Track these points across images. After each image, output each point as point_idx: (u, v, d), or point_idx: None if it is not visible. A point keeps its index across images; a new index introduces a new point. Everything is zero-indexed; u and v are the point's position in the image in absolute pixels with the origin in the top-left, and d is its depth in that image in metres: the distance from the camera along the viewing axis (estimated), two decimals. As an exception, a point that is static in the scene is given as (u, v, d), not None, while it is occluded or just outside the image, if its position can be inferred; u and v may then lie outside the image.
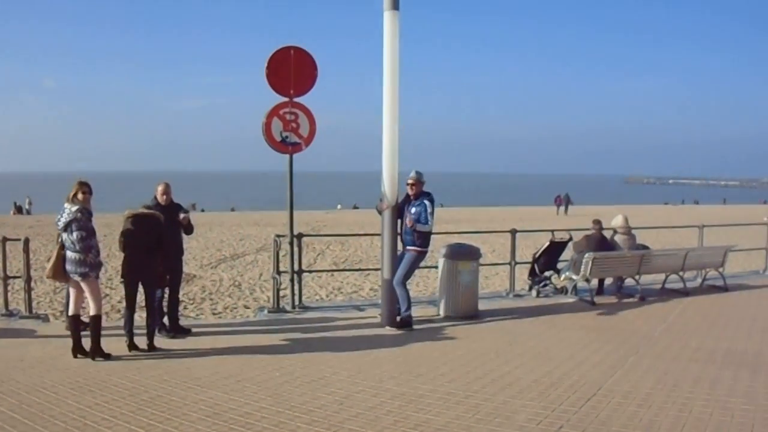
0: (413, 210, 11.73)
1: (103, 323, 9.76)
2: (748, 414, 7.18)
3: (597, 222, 14.92)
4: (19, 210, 67.57)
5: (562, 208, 67.53)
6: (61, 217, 9.38)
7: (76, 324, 9.60)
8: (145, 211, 10.06)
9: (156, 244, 10.03)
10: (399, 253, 11.95)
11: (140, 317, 10.17)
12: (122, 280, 10.34)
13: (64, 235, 9.40)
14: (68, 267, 9.37)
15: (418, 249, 11.79)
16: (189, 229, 11.28)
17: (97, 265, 9.62)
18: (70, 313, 9.69)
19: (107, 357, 9.47)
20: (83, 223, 9.38)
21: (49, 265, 9.57)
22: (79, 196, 9.44)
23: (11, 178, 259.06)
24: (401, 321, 11.61)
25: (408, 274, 11.93)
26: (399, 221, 11.93)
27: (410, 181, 11.92)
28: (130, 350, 9.80)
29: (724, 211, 64.18)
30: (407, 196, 11.98)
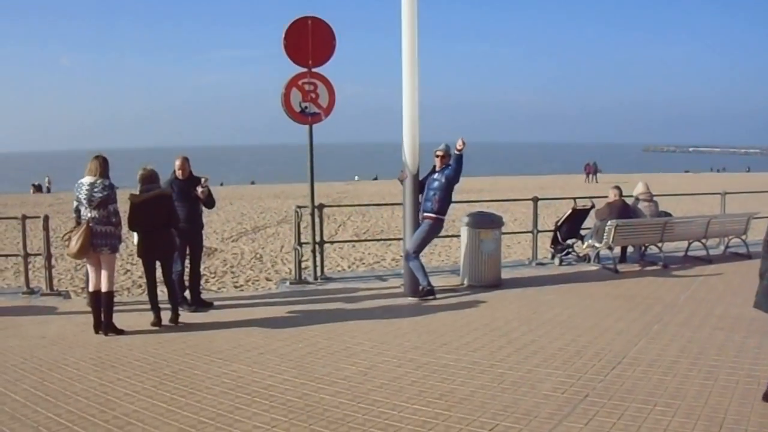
0: (437, 175, 11.76)
1: (126, 298, 9.76)
2: (757, 380, 7.11)
3: (616, 188, 14.77)
4: (38, 189, 67.96)
5: (592, 176, 67.95)
6: (93, 192, 9.29)
7: (96, 300, 9.60)
8: (149, 195, 9.91)
9: (166, 220, 9.98)
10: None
11: (162, 292, 10.15)
12: (139, 255, 10.33)
13: (95, 211, 9.32)
14: (99, 241, 9.31)
15: (435, 216, 11.65)
16: (210, 202, 11.24)
17: (121, 237, 9.68)
18: (91, 289, 9.70)
19: (120, 332, 9.47)
20: (115, 196, 9.40)
21: (77, 245, 9.31)
22: (107, 169, 9.45)
23: (30, 158, 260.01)
24: (423, 291, 11.54)
25: (422, 245, 11.91)
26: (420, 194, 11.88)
27: (439, 153, 11.84)
28: (156, 326, 9.80)
29: (746, 179, 63.78)
30: (433, 168, 11.92)
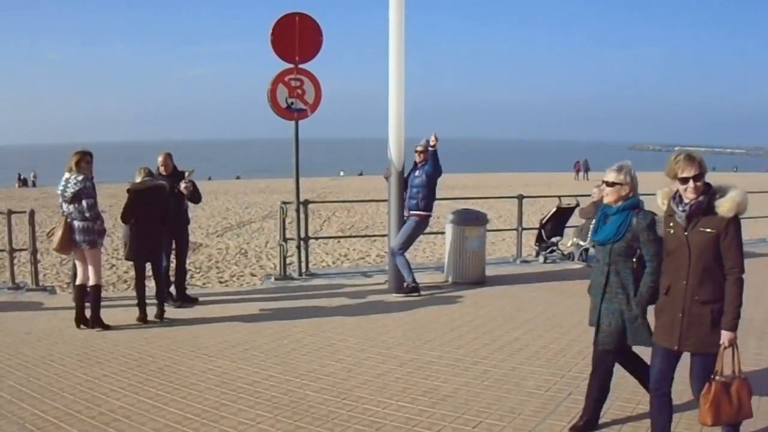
0: (417, 173, 11.70)
1: (112, 294, 9.76)
2: (755, 380, 7.14)
3: (599, 187, 14.80)
4: (24, 183, 67.69)
5: (581, 173, 69.04)
6: (66, 187, 9.34)
7: (82, 294, 9.61)
8: (151, 183, 9.99)
9: (162, 214, 10.00)
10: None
11: (149, 288, 10.15)
12: (128, 258, 10.35)
13: (71, 206, 9.36)
14: (77, 237, 9.36)
15: (421, 213, 11.63)
16: (195, 197, 11.23)
17: (102, 232, 9.72)
18: (77, 282, 9.71)
19: (106, 327, 9.48)
20: (90, 191, 9.39)
21: (56, 239, 9.54)
22: (82, 164, 9.43)
23: (15, 151, 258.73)
24: (408, 288, 11.58)
25: (408, 242, 11.92)
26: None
27: (419, 149, 11.76)
28: (143, 322, 9.79)
29: (733, 179, 63.97)
30: (415, 164, 11.85)
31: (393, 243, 11.83)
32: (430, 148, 11.62)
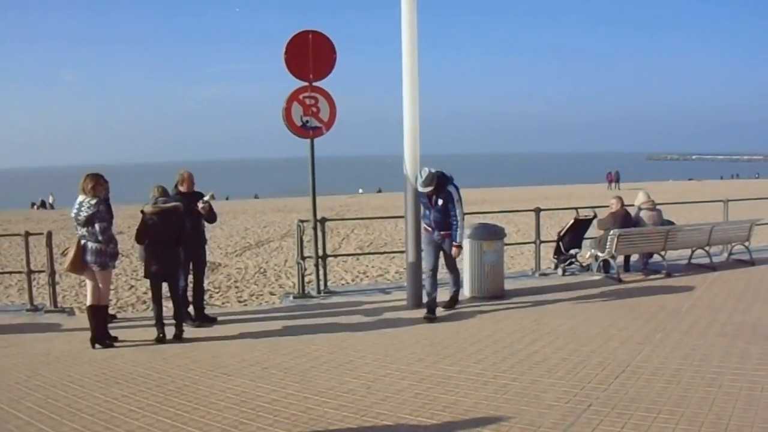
0: (440, 202, 11.05)
1: (130, 314, 9.82)
2: (758, 385, 7.12)
3: (618, 198, 14.81)
4: (42, 205, 68.16)
5: (614, 183, 70.45)
6: (80, 211, 9.49)
7: (94, 314, 9.71)
8: (165, 206, 10.04)
9: (177, 235, 10.05)
10: (429, 237, 11.41)
11: (167, 308, 10.18)
12: (146, 276, 10.40)
13: (83, 229, 9.52)
14: (88, 258, 9.54)
15: (456, 243, 11.20)
16: (211, 217, 11.27)
17: (115, 255, 9.89)
18: (88, 303, 9.81)
19: (106, 346, 9.66)
20: (103, 214, 9.51)
21: (67, 259, 9.71)
22: (97, 188, 9.54)
23: (33, 174, 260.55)
24: (453, 300, 11.84)
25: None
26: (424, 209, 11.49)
27: (427, 191, 11.05)
28: (160, 343, 9.83)
29: (754, 186, 63.71)
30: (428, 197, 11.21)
31: (428, 260, 11.50)
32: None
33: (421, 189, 11.03)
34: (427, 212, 11.37)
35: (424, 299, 11.25)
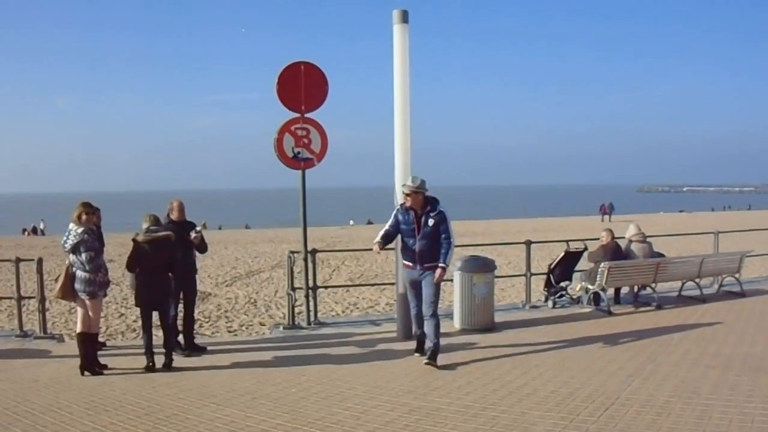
0: (431, 222, 9.91)
1: (120, 342, 9.82)
2: (767, 419, 7.13)
3: (608, 231, 14.88)
4: (34, 231, 68.18)
5: (607, 216, 71.81)
6: (68, 239, 9.61)
7: (84, 341, 9.73)
8: (157, 235, 10.06)
9: (168, 265, 10.08)
10: (410, 275, 10.28)
11: (157, 336, 10.17)
12: (136, 304, 10.39)
13: (72, 257, 9.59)
14: (77, 286, 9.60)
15: (443, 265, 9.93)
16: (202, 247, 11.32)
17: (105, 284, 9.93)
18: (78, 330, 9.83)
19: (95, 373, 9.66)
20: (90, 243, 9.57)
21: (57, 286, 9.74)
22: (83, 217, 9.61)
23: (24, 199, 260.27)
24: (434, 353, 9.95)
25: (438, 296, 10.26)
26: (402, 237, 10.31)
27: (406, 192, 10.07)
28: (149, 371, 9.81)
29: (745, 218, 63.94)
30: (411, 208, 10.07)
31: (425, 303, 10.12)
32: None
33: (409, 187, 9.97)
34: (410, 241, 10.08)
35: (414, 332, 11.17)
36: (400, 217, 10.20)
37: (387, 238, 10.36)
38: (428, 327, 10.02)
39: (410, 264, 10.18)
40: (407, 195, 10.02)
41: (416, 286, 10.18)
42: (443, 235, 9.93)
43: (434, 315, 9.97)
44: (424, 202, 10.04)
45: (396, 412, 7.75)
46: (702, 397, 7.89)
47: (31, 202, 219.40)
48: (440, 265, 9.86)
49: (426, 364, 9.78)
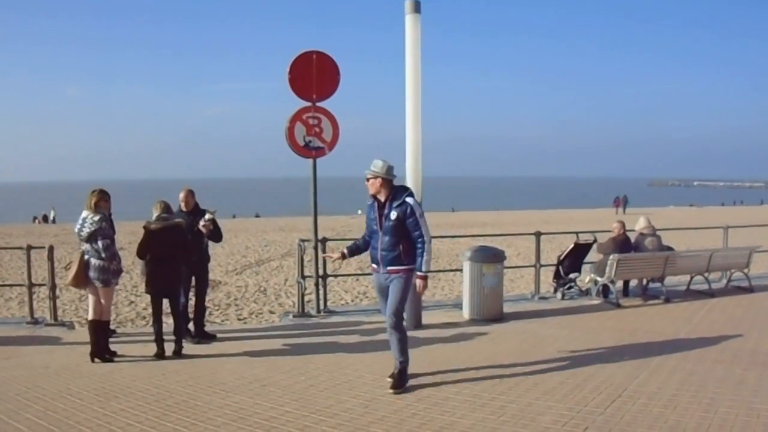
0: (393, 215, 8.25)
1: (130, 329, 9.85)
2: (754, 411, 7.14)
3: (620, 222, 14.86)
4: (44, 219, 68.37)
5: (621, 208, 72.19)
6: (83, 227, 9.54)
7: (95, 329, 9.75)
8: (167, 222, 10.07)
9: (178, 252, 10.10)
10: (377, 280, 8.81)
11: (167, 324, 10.20)
12: (147, 292, 10.41)
13: (87, 245, 9.56)
14: (91, 274, 9.57)
15: (407, 267, 8.33)
16: (216, 235, 11.29)
17: (118, 272, 9.90)
18: (90, 317, 9.85)
19: (105, 360, 9.67)
20: (107, 231, 9.57)
21: (71, 274, 9.73)
22: (100, 204, 9.58)
23: (35, 188, 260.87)
24: (400, 374, 8.37)
25: (404, 306, 8.51)
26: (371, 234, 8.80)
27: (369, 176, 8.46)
28: (159, 358, 9.85)
29: (746, 213, 63.76)
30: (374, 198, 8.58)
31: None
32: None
33: (369, 171, 8.42)
34: (374, 238, 8.63)
35: (423, 321, 11.07)
36: (368, 211, 8.74)
37: (356, 249, 9.27)
38: (391, 342, 8.43)
39: (375, 266, 8.67)
40: (366, 181, 8.48)
41: (385, 292, 8.56)
42: (415, 233, 8.22)
43: (397, 327, 8.28)
44: (388, 191, 8.40)
45: (404, 401, 7.79)
46: (709, 391, 7.89)
47: (41, 190, 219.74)
48: (419, 274, 8.21)
49: (390, 389, 8.18)
